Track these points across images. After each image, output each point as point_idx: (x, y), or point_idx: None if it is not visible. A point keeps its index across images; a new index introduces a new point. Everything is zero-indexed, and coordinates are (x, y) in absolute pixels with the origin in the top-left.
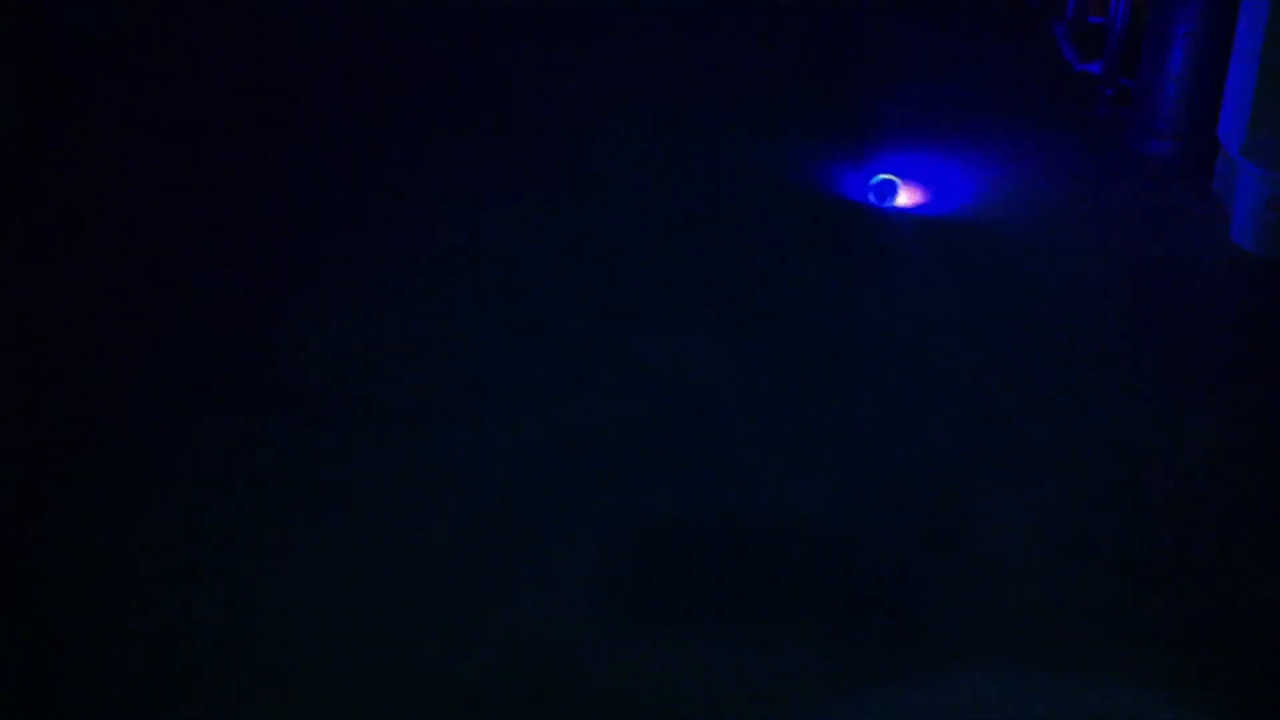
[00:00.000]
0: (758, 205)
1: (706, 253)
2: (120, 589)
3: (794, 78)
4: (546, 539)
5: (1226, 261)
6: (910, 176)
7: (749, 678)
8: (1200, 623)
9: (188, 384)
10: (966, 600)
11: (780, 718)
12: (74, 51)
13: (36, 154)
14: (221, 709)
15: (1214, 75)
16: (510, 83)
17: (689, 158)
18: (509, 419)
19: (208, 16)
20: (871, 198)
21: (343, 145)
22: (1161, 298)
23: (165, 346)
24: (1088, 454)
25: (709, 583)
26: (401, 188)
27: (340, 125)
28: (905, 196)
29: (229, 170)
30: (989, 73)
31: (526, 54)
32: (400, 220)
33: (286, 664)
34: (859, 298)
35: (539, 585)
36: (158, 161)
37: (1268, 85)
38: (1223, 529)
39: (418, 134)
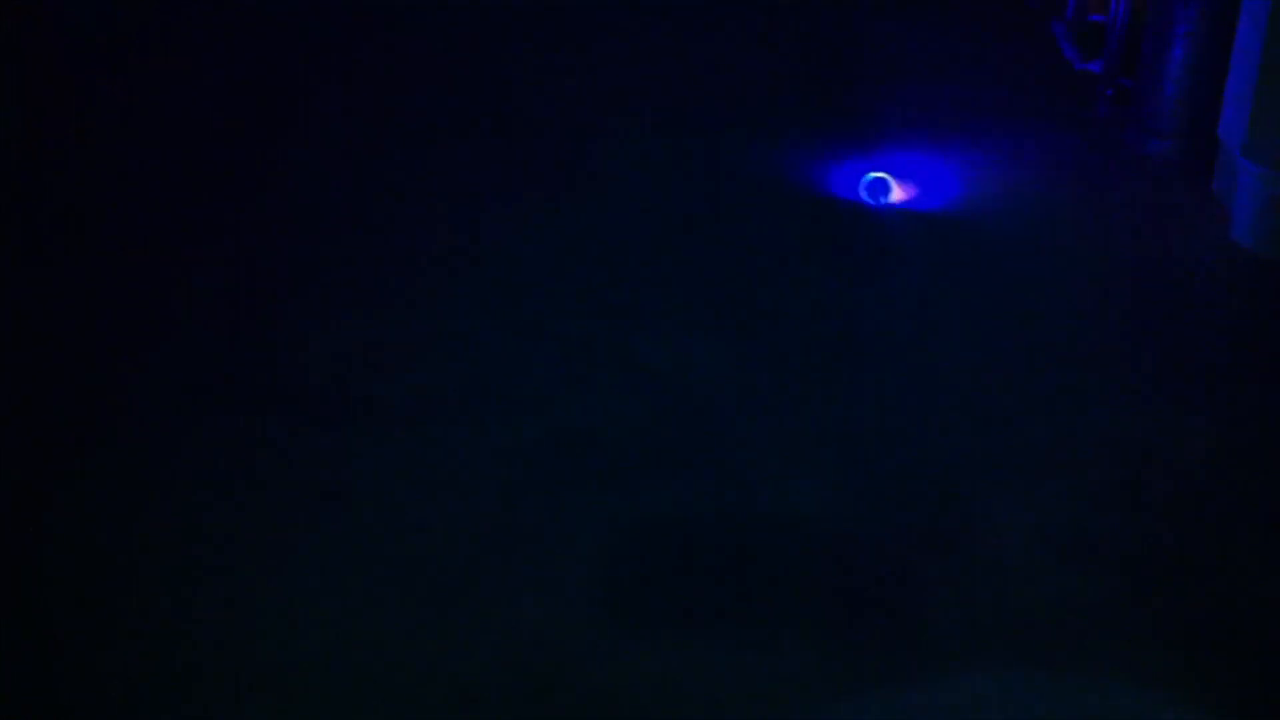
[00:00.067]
0: (758, 205)
1: (706, 253)
2: (120, 589)
3: (794, 78)
4: (546, 539)
5: (1227, 261)
6: (910, 176)
7: (749, 678)
8: (1200, 623)
9: (188, 384)
10: (966, 600)
11: (780, 718)
12: (74, 51)
13: (36, 154)
14: (221, 709)
15: (1214, 74)
16: (510, 83)
17: (689, 158)
18: (509, 419)
19: (208, 16)
20: (864, 196)
21: (343, 145)
22: (1161, 298)
23: (165, 346)
24: (1088, 454)
25: (709, 583)
26: (401, 188)
27: (340, 125)
28: (897, 193)
29: (229, 170)
30: (989, 72)
31: (526, 54)
32: (400, 220)
33: (286, 664)
34: (859, 298)
35: (539, 585)
36: (158, 161)
37: (1268, 84)
38: (1223, 529)
39: (418, 134)
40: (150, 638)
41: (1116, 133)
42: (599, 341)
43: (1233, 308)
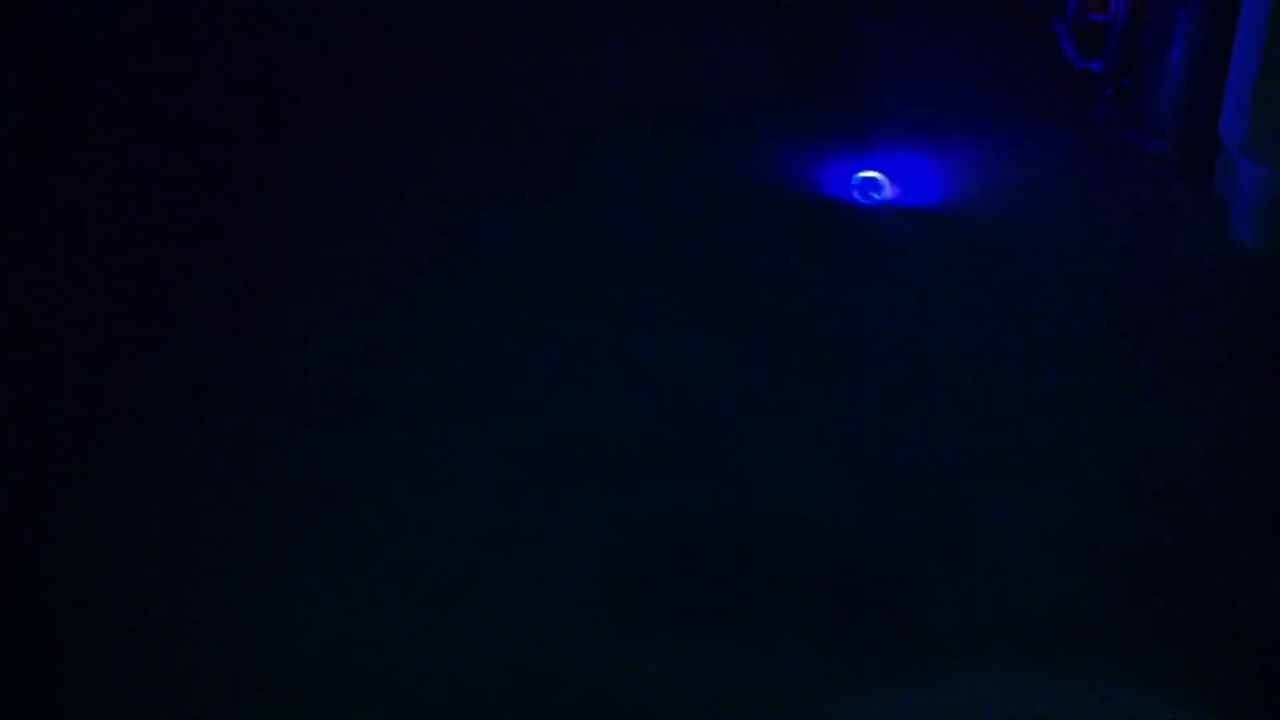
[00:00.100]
0: (758, 205)
1: (706, 253)
2: (120, 589)
3: (794, 77)
4: (546, 539)
5: (1227, 260)
6: (909, 175)
7: (749, 678)
8: (1200, 623)
9: (188, 384)
10: (966, 600)
11: (780, 718)
12: (74, 51)
13: (36, 154)
14: (221, 709)
15: (1214, 73)
16: (510, 83)
17: (689, 158)
18: (509, 419)
19: (208, 16)
20: (856, 194)
21: (343, 145)
22: (1161, 297)
23: (165, 346)
24: (1088, 454)
25: (709, 583)
26: (401, 188)
27: (340, 125)
28: (889, 190)
29: (229, 170)
30: (988, 71)
31: (526, 54)
32: (400, 220)
33: (286, 664)
34: (859, 298)
35: (539, 585)
36: (158, 161)
37: (1268, 83)
38: (1223, 529)
39: (418, 134)
40: (150, 638)
41: (1116, 132)
42: (599, 341)
43: (1233, 308)
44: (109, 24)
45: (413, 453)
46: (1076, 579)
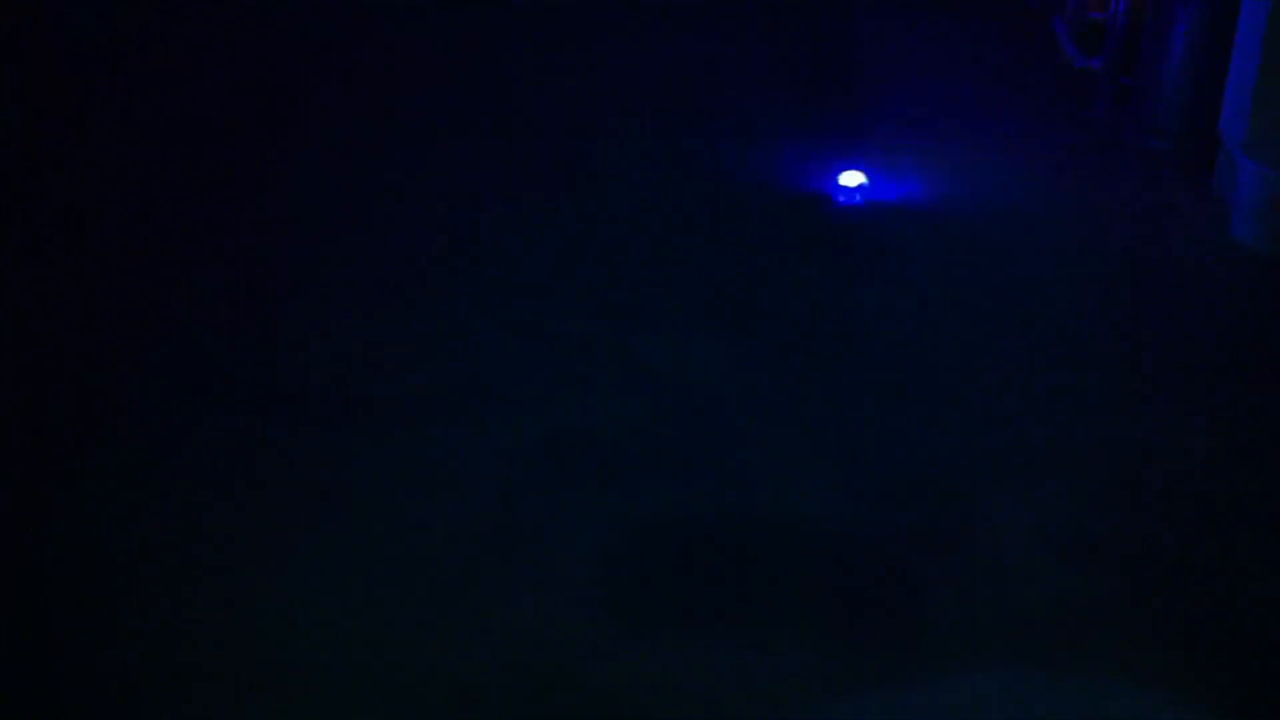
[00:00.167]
0: (758, 205)
1: (706, 253)
2: (120, 589)
3: (794, 77)
4: (546, 539)
5: (1227, 259)
6: (909, 175)
7: (749, 678)
8: (1200, 623)
9: (188, 384)
10: (966, 600)
11: (780, 718)
12: (74, 51)
13: (36, 154)
14: (221, 709)
15: (1214, 72)
16: (510, 83)
17: (689, 158)
18: (509, 419)
19: (208, 16)
20: (839, 196)
21: (343, 145)
22: (1161, 296)
23: (165, 346)
24: (1088, 454)
25: (709, 583)
26: (401, 188)
27: (340, 125)
28: (868, 190)
29: (229, 170)
30: (989, 70)
31: (526, 54)
32: (400, 220)
33: (286, 664)
34: (859, 298)
35: (539, 585)
36: (158, 161)
37: (1268, 82)
38: (1223, 529)
39: (418, 134)
40: (150, 638)
41: (1116, 131)
42: (599, 341)
43: (1233, 307)
44: (109, 24)
45: (413, 453)
46: (1076, 579)
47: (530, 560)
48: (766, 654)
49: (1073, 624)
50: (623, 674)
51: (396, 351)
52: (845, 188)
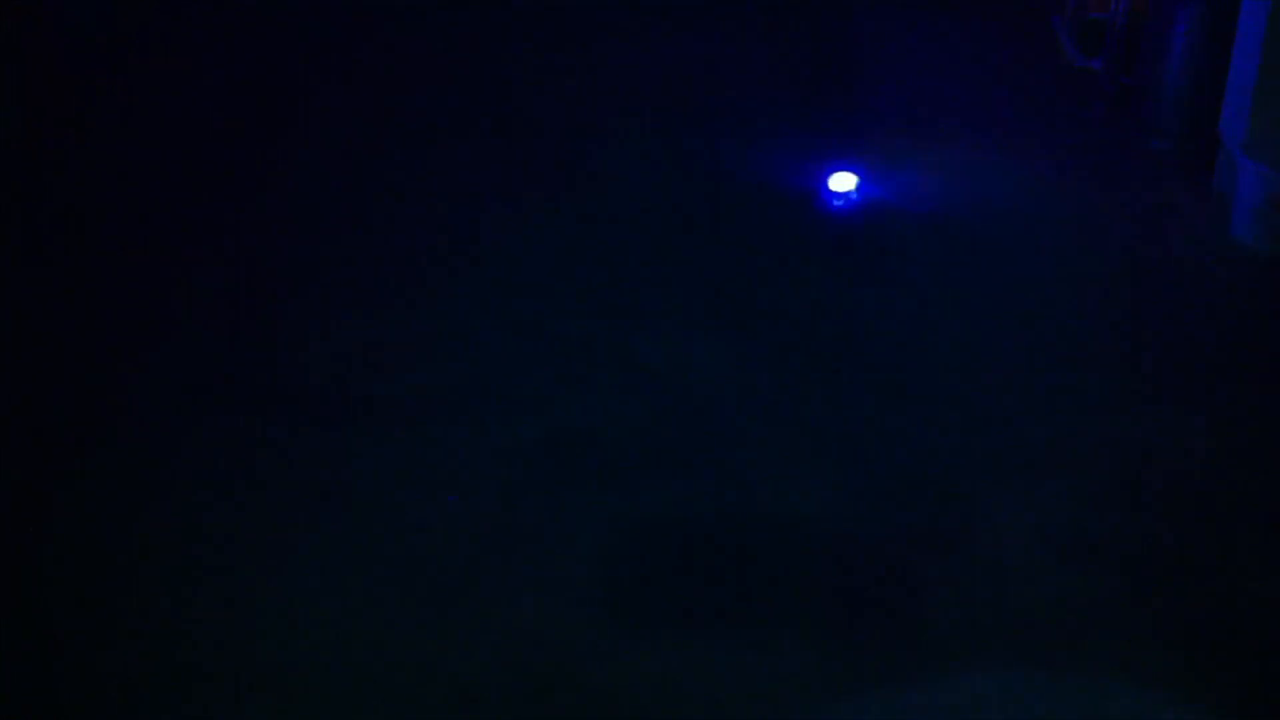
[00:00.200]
0: (757, 205)
1: (706, 253)
2: (120, 589)
3: (794, 77)
4: (546, 539)
5: (1227, 259)
6: (908, 175)
7: (749, 678)
8: (1200, 623)
9: (188, 384)
10: (966, 600)
11: (780, 718)
12: (74, 51)
13: (36, 154)
14: (221, 709)
15: (1215, 72)
16: (510, 83)
17: (689, 158)
18: (509, 419)
19: (208, 16)
20: (839, 198)
21: (343, 145)
22: (1161, 296)
23: (165, 346)
24: (1088, 454)
25: (709, 583)
26: (401, 188)
27: (340, 125)
28: (856, 191)
29: (229, 170)
30: (988, 70)
31: (526, 54)
32: (400, 220)
33: (286, 664)
34: (859, 298)
35: (539, 585)
36: (158, 161)
37: (1269, 82)
38: (1223, 529)
39: (418, 134)
40: (150, 638)
41: (1116, 131)
42: (599, 341)
43: (1233, 307)
44: (109, 24)
45: (413, 453)
46: (1076, 579)
47: (530, 560)
48: (766, 654)
49: (1073, 624)
50: (623, 674)
51: (396, 351)
52: (841, 188)
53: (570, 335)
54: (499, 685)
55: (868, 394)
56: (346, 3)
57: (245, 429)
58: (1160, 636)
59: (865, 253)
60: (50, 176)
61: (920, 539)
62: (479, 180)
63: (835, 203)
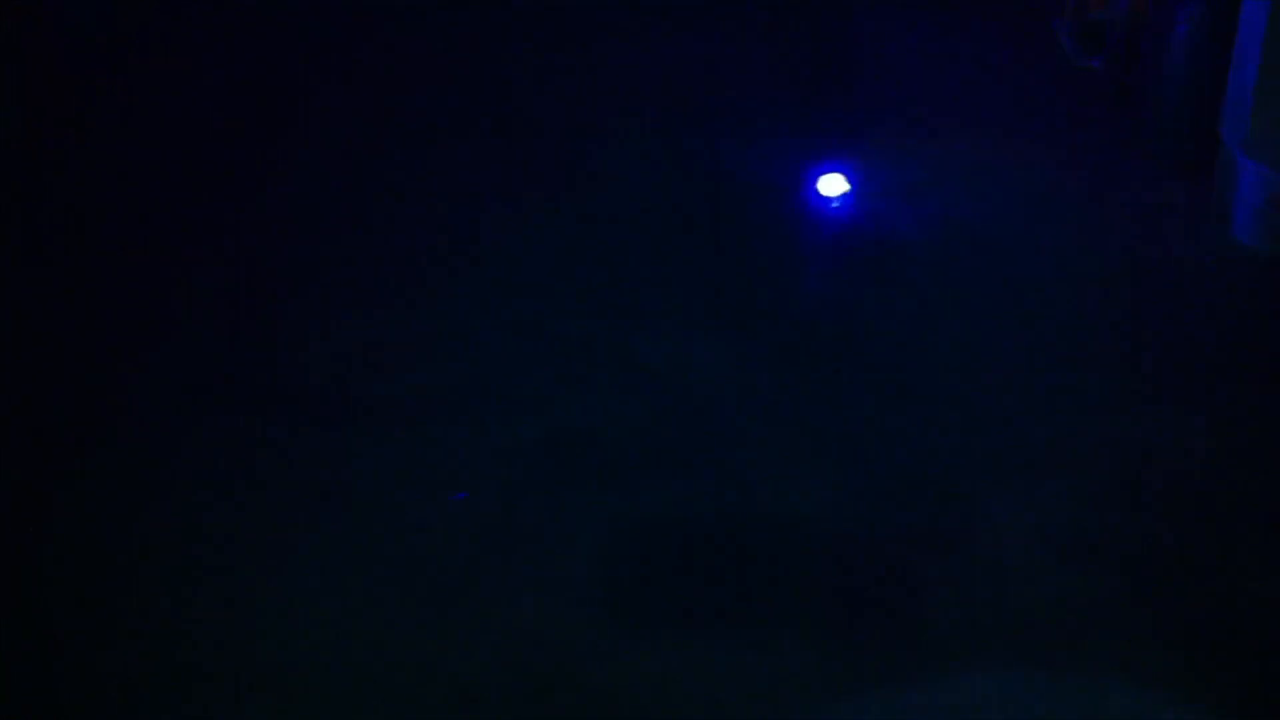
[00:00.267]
0: (757, 205)
1: (706, 253)
2: (120, 589)
3: (794, 77)
4: (546, 539)
5: (1228, 260)
6: (908, 175)
7: (749, 678)
8: (1200, 623)
9: (188, 384)
10: (966, 600)
11: (780, 718)
12: (74, 51)
13: (36, 154)
14: (221, 709)
15: (1215, 72)
16: (510, 83)
17: (689, 158)
18: (509, 419)
19: (208, 16)
20: (831, 200)
21: (343, 145)
22: (1162, 297)
23: (165, 346)
24: (1088, 454)
25: (709, 583)
26: (401, 188)
27: (340, 125)
28: (845, 192)
29: (229, 170)
30: (989, 70)
31: (526, 54)
32: (400, 220)
33: (286, 664)
34: (859, 297)
35: (539, 585)
36: (158, 161)
37: (1269, 82)
38: (1223, 529)
39: (418, 134)
40: (150, 638)
41: (1116, 131)
42: (599, 341)
43: (1233, 307)
44: (109, 24)
45: (413, 453)
46: (1076, 579)
47: (530, 560)
48: (766, 654)
49: (1073, 624)
50: (623, 674)
51: (396, 351)
52: (841, 187)
53: (570, 335)
54: (499, 685)
55: (868, 394)
56: (346, 3)
57: (245, 429)
58: (1160, 636)
59: (865, 252)
60: (50, 176)
61: (920, 539)
62: (479, 180)
63: (835, 202)
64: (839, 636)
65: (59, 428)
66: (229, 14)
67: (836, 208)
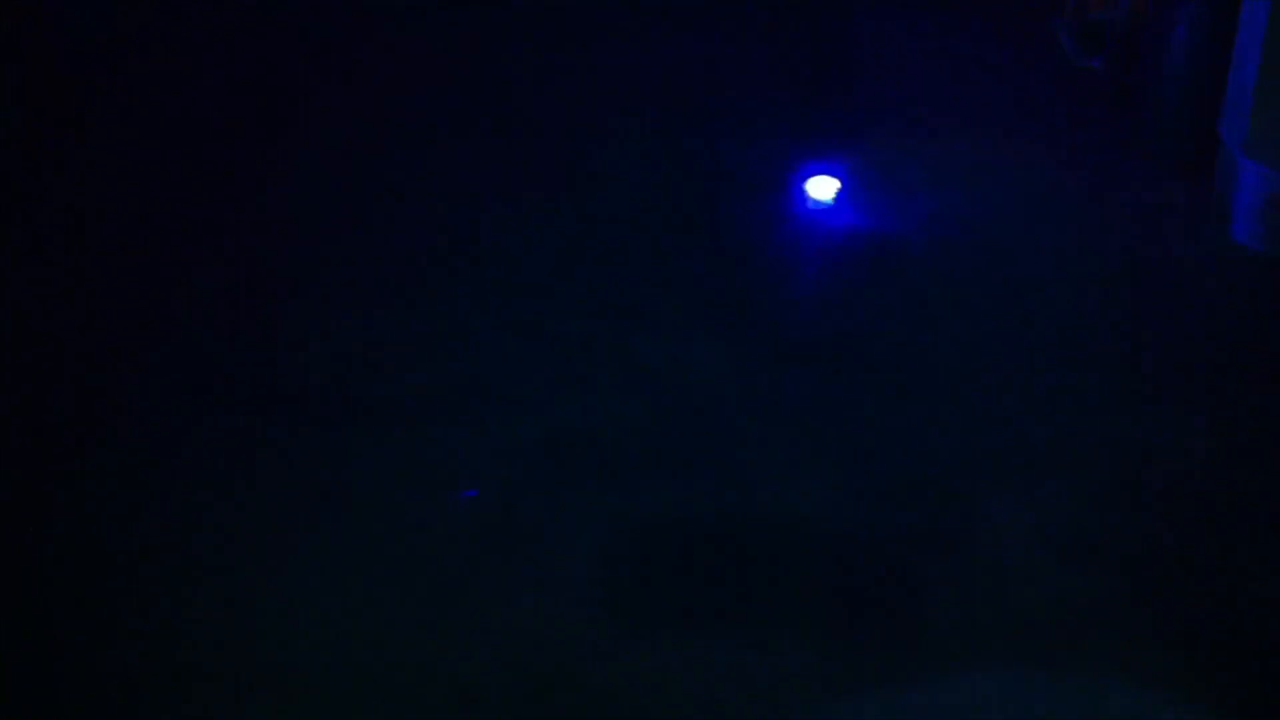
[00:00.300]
0: (757, 205)
1: (707, 253)
2: (120, 589)
3: (794, 77)
4: (546, 539)
5: (1228, 260)
6: (909, 175)
7: (749, 678)
8: (1200, 623)
9: (188, 384)
10: (966, 600)
11: (780, 718)
12: (74, 51)
13: (36, 154)
14: (221, 709)
15: (1215, 72)
16: (510, 83)
17: (689, 158)
18: (509, 419)
19: (208, 16)
20: (831, 200)
21: (343, 145)
22: (1162, 297)
23: (165, 346)
24: (1088, 454)
25: (709, 583)
26: (401, 188)
27: (340, 125)
28: (835, 195)
29: (229, 170)
30: (989, 70)
31: (526, 54)
32: (400, 220)
33: (286, 664)
34: (859, 297)
35: (539, 585)
36: (158, 161)
37: (1269, 82)
38: (1223, 529)
39: (418, 134)
40: (150, 638)
41: (1116, 131)
42: (599, 341)
43: (1233, 307)
44: (109, 24)
45: (413, 453)
46: (1076, 579)
47: (530, 560)
48: (766, 654)
49: (1073, 624)
50: (623, 674)
51: (396, 351)
52: (840, 188)
53: (570, 335)
54: (499, 685)
55: (868, 394)
56: (346, 3)
57: (245, 429)
58: (1160, 636)
59: (865, 252)
60: (50, 176)
61: (920, 539)
62: (479, 180)
63: (834, 202)
64: (839, 636)
65: (59, 428)
66: (229, 14)
67: (834, 208)
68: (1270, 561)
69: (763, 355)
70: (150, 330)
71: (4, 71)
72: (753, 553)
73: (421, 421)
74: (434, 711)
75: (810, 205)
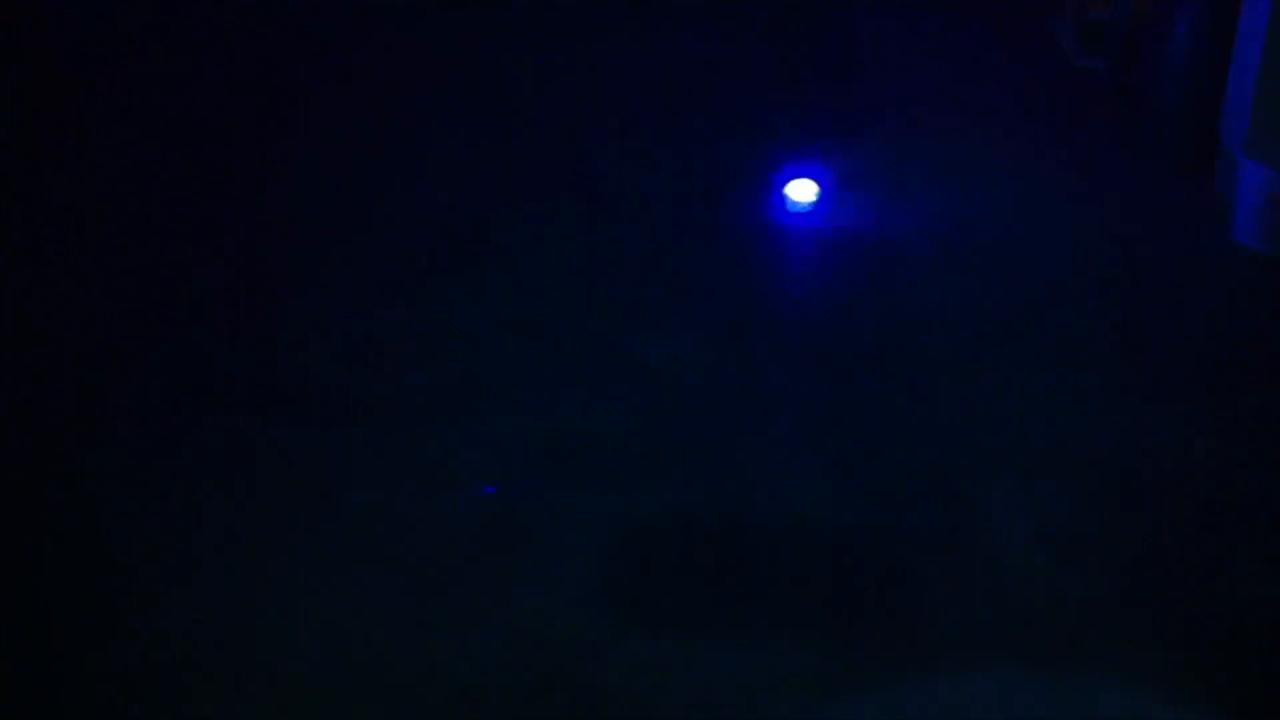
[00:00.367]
0: (757, 205)
1: (706, 252)
2: (120, 589)
3: (794, 77)
4: (546, 538)
5: (1228, 260)
6: (908, 175)
7: (749, 677)
8: (1200, 623)
9: (188, 384)
10: (966, 600)
11: (780, 718)
12: (74, 51)
13: (36, 154)
14: (221, 709)
15: (1216, 72)
16: (510, 83)
17: (689, 158)
18: (509, 418)
19: (208, 16)
20: (830, 200)
21: (343, 145)
22: (1162, 297)
23: (165, 346)
24: (1088, 454)
25: (709, 583)
26: (401, 188)
27: (340, 125)
28: (814, 199)
29: (229, 170)
30: (988, 70)
31: (526, 54)
32: (400, 220)
33: (286, 664)
34: (859, 297)
35: (538, 584)
36: (158, 161)
37: (1269, 82)
38: (1223, 529)
39: (418, 134)
40: (150, 638)
41: (1116, 131)
42: (599, 341)
43: (1233, 307)
44: (109, 24)
45: (413, 453)
46: (1076, 579)
47: (530, 560)
48: (766, 654)
49: (1072, 624)
50: (622, 673)
51: (396, 351)
52: (840, 188)
53: (570, 335)
54: (499, 685)
55: (867, 393)
56: (346, 3)
57: (245, 429)
58: (1160, 636)
59: (865, 252)
60: (50, 176)
61: (920, 539)
62: (479, 180)
63: (833, 202)
64: (839, 636)
65: (59, 428)
66: (229, 14)
67: (833, 208)
68: (1270, 561)
69: (763, 355)
70: (150, 330)
71: (4, 71)
72: (752, 553)
73: (421, 421)
74: (434, 711)
75: (810, 205)
